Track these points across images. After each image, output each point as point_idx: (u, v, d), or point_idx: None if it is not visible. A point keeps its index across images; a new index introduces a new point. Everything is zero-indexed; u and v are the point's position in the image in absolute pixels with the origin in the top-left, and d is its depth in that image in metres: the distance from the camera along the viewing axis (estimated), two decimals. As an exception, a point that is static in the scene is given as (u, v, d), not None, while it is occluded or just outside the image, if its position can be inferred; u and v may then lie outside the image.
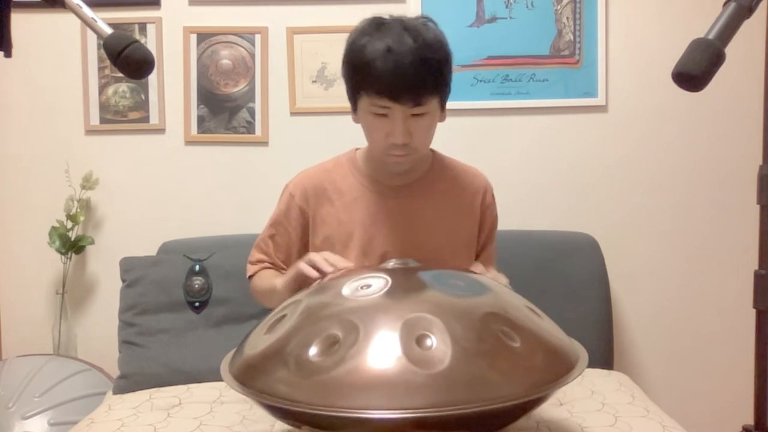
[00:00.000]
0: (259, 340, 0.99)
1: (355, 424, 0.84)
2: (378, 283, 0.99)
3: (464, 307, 0.95)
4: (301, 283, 1.18)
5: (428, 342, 0.86)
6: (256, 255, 1.39)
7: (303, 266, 1.17)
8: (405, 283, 1.01)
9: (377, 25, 1.19)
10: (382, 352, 0.85)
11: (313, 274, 1.15)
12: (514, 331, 0.92)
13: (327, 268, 1.14)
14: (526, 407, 0.94)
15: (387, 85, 1.14)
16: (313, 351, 0.88)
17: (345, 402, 0.82)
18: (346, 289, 0.99)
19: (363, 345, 0.86)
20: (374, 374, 0.84)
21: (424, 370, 0.83)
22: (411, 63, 1.13)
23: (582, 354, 1.01)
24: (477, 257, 1.40)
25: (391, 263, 1.10)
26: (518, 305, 1.01)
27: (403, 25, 1.17)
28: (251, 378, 0.93)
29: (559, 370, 0.92)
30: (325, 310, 0.96)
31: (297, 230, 1.34)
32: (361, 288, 0.99)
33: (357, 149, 1.38)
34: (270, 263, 1.36)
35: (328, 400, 0.83)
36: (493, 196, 1.40)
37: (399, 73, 1.13)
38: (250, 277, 1.37)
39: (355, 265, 1.24)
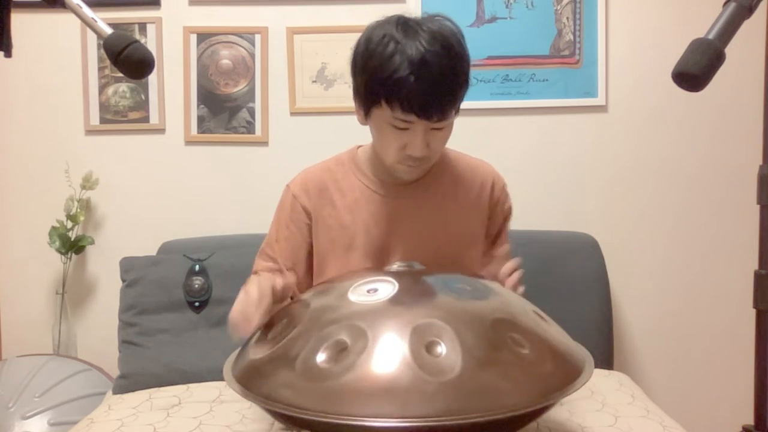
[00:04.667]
0: (264, 343, 0.98)
1: None
2: (385, 287, 0.97)
3: (473, 313, 0.93)
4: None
5: (438, 349, 0.85)
6: (261, 264, 1.31)
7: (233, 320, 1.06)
8: (412, 288, 1.00)
9: (403, 28, 1.09)
10: (391, 359, 0.84)
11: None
12: (523, 337, 0.91)
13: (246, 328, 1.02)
14: (535, 415, 0.93)
15: (418, 103, 1.07)
16: (321, 357, 0.86)
17: (354, 409, 0.81)
18: (353, 293, 0.98)
19: (372, 351, 0.85)
20: (384, 381, 0.82)
21: (434, 377, 0.82)
22: (445, 79, 1.07)
23: (588, 359, 1.01)
24: (489, 253, 1.35)
25: (395, 266, 1.08)
26: (526, 310, 1.00)
27: (431, 32, 1.08)
28: (256, 382, 0.92)
29: (567, 376, 0.91)
30: (331, 315, 0.94)
31: (303, 231, 1.29)
32: (368, 292, 0.97)
33: (359, 147, 1.34)
34: (278, 270, 1.29)
35: (336, 407, 0.81)
36: (503, 188, 1.35)
37: (432, 91, 1.06)
38: None
39: (360, 268, 1.22)
